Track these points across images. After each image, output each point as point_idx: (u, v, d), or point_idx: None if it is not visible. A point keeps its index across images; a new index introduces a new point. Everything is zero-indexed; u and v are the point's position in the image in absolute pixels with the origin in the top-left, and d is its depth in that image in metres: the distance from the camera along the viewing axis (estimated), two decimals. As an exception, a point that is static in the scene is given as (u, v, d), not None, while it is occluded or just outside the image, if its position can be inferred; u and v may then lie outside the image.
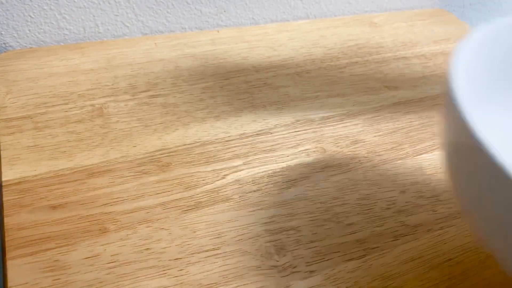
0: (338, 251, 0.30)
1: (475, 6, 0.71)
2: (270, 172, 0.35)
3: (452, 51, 0.22)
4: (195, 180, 0.34)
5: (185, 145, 0.36)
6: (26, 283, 0.26)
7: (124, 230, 0.30)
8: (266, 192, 0.33)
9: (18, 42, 0.47)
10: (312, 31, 0.54)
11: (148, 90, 0.42)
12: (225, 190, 0.33)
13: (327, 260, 0.30)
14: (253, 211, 0.32)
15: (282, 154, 0.37)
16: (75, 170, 0.33)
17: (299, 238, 0.31)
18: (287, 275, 0.29)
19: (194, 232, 0.30)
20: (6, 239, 0.28)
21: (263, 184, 0.34)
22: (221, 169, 0.35)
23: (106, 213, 0.31)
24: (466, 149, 0.17)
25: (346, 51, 0.51)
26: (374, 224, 0.32)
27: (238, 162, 0.36)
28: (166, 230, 0.30)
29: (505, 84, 0.26)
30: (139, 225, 0.30)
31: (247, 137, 0.38)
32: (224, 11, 0.54)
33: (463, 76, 0.20)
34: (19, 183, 0.32)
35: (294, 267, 0.29)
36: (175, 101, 0.41)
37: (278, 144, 0.38)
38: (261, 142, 0.38)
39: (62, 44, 0.49)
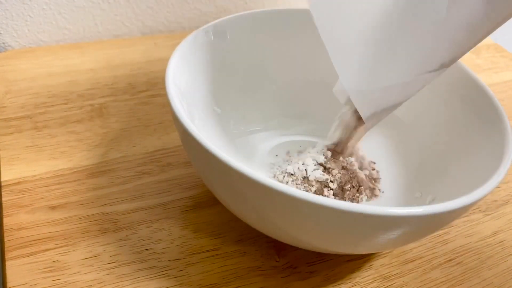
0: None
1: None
2: (270, 172, 0.35)
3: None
4: (194, 180, 0.34)
5: (185, 145, 0.36)
6: (25, 284, 0.26)
7: (123, 230, 0.30)
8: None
9: (17, 41, 0.47)
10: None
11: (148, 90, 0.42)
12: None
13: (328, 260, 0.29)
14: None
15: (282, 154, 0.36)
16: (74, 170, 0.33)
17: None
18: (287, 276, 0.28)
19: (194, 232, 0.30)
20: (5, 239, 0.28)
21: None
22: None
23: (105, 213, 0.31)
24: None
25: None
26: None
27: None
28: (166, 230, 0.30)
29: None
30: (139, 225, 0.30)
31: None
32: (224, 11, 0.54)
33: (173, 85, 0.27)
34: (18, 183, 0.32)
35: (295, 268, 0.29)
36: (174, 101, 0.41)
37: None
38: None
39: (61, 43, 0.48)
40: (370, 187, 0.32)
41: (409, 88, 0.27)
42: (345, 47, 0.26)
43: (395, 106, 0.28)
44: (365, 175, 0.33)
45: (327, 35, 0.25)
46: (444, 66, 0.25)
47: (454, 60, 0.26)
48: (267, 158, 0.35)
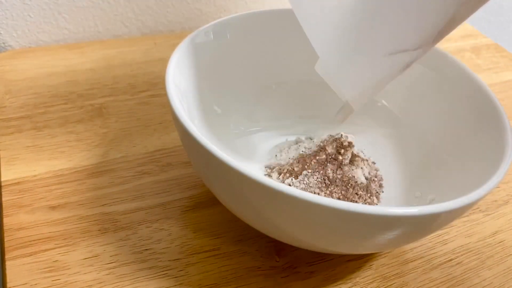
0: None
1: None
2: (270, 172, 0.35)
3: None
4: (194, 180, 0.34)
5: (185, 145, 0.36)
6: (25, 284, 0.26)
7: (123, 230, 0.30)
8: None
9: (17, 41, 0.47)
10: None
11: (148, 90, 0.42)
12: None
13: (328, 260, 0.29)
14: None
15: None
16: (74, 170, 0.33)
17: (299, 238, 0.30)
18: (287, 276, 0.28)
19: (194, 232, 0.30)
20: (5, 239, 0.28)
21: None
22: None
23: (105, 213, 0.31)
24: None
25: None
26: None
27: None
28: (166, 230, 0.30)
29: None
30: (139, 225, 0.30)
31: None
32: (224, 11, 0.54)
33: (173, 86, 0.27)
34: (18, 183, 0.32)
35: (295, 268, 0.29)
36: (174, 101, 0.41)
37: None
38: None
39: (61, 43, 0.48)
40: (372, 188, 0.32)
41: (391, 66, 0.26)
42: (321, 23, 0.26)
43: (379, 86, 0.28)
44: (367, 177, 0.33)
45: (301, 11, 0.25)
46: (425, 44, 0.25)
47: (436, 38, 0.25)
48: (267, 158, 0.35)
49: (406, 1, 0.24)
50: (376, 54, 0.26)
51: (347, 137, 0.31)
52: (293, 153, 0.34)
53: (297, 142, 0.36)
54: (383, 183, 0.34)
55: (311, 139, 0.36)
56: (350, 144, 0.32)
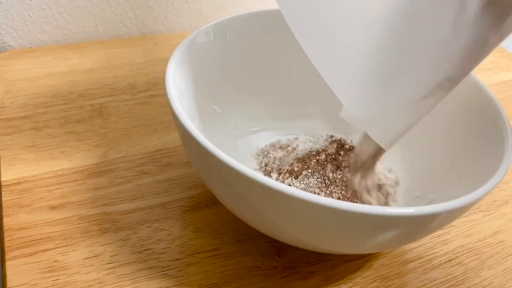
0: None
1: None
2: (270, 172, 0.35)
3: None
4: (194, 180, 0.34)
5: (185, 145, 0.36)
6: (25, 284, 0.26)
7: (123, 230, 0.30)
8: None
9: (17, 41, 0.47)
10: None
11: (148, 90, 0.42)
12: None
13: (328, 260, 0.29)
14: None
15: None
16: (74, 170, 0.33)
17: (299, 238, 0.30)
18: (287, 276, 0.28)
19: (194, 232, 0.30)
20: (5, 239, 0.28)
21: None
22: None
23: (105, 213, 0.31)
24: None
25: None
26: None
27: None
28: (166, 230, 0.30)
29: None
30: (139, 225, 0.30)
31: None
32: (224, 11, 0.54)
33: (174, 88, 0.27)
34: (18, 183, 0.32)
35: (295, 268, 0.29)
36: (174, 101, 0.41)
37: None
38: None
39: (61, 43, 0.48)
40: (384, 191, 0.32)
41: (416, 112, 0.27)
42: (343, 75, 0.26)
43: (407, 129, 0.28)
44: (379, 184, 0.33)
45: (322, 64, 0.25)
46: (444, 90, 0.25)
47: (463, 75, 0.25)
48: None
49: (425, 52, 0.24)
50: (401, 104, 0.26)
51: (351, 141, 0.31)
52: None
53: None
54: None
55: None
56: (352, 148, 0.32)
